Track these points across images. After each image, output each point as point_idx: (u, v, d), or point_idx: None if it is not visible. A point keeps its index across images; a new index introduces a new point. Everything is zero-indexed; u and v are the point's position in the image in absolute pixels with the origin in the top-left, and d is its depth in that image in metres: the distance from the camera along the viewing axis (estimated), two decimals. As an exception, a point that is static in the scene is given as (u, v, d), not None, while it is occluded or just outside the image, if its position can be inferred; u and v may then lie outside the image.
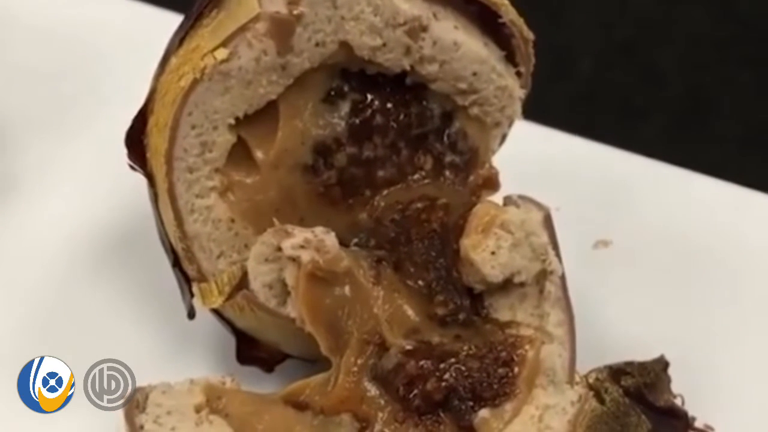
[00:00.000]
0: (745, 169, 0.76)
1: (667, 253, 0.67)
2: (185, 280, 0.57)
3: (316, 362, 0.57)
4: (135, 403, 0.53)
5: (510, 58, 0.58)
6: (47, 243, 0.66)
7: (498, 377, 0.54)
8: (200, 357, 0.61)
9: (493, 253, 0.56)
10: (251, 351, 0.60)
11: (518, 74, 0.58)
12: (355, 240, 0.57)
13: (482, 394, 0.54)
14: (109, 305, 0.63)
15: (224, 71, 0.53)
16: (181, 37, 0.55)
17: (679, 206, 0.69)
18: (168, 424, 0.53)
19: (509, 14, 0.57)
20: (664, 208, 0.69)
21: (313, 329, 0.54)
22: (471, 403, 0.54)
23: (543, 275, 0.56)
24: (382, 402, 0.54)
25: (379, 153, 0.57)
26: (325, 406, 0.54)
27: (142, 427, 0.53)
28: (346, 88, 0.56)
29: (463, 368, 0.54)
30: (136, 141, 0.56)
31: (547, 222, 0.57)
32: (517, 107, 0.58)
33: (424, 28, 0.55)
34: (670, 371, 0.57)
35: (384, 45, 0.55)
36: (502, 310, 0.57)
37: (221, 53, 0.53)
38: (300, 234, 0.54)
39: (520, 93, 0.58)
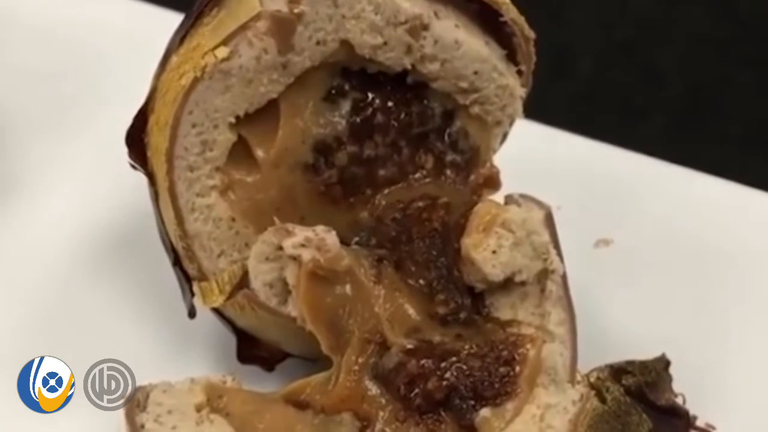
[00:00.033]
0: (746, 168, 0.76)
1: (668, 252, 0.66)
2: (186, 279, 0.57)
3: (316, 361, 0.57)
4: (136, 402, 0.53)
5: (511, 57, 0.58)
6: (47, 243, 0.66)
7: (499, 376, 0.54)
8: (201, 356, 0.61)
9: (494, 252, 0.55)
10: (252, 350, 0.60)
11: (519, 73, 0.58)
12: (356, 239, 0.57)
13: (483, 393, 0.54)
14: (110, 304, 0.63)
15: (225, 70, 0.53)
16: (181, 36, 0.55)
17: (680, 205, 0.69)
18: (169, 423, 0.53)
19: (510, 13, 0.57)
20: (665, 206, 0.69)
21: (313, 328, 0.54)
22: (472, 402, 0.54)
23: (544, 274, 0.56)
24: (383, 401, 0.54)
25: (380, 152, 0.57)
26: (325, 405, 0.54)
27: (142, 426, 0.53)
28: (347, 87, 0.56)
29: (464, 367, 0.54)
30: (136, 140, 0.56)
31: (549, 221, 0.57)
32: (518, 106, 0.58)
33: (425, 27, 0.55)
34: (672, 370, 0.57)
35: (385, 44, 0.55)
36: (503, 309, 0.57)
37: (222, 52, 0.53)
38: (301, 233, 0.54)
39: (521, 92, 0.58)
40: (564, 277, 0.56)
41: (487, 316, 0.56)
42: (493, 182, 0.59)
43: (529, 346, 0.55)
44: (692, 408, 0.57)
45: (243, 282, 0.56)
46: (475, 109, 0.58)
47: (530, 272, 0.56)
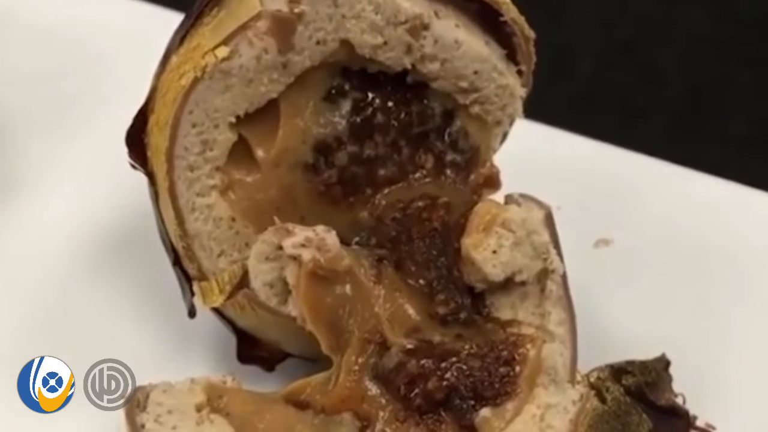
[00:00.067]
0: (746, 168, 0.76)
1: (668, 252, 0.66)
2: (186, 279, 0.57)
3: (317, 361, 0.57)
4: (136, 402, 0.53)
5: (511, 57, 0.58)
6: (47, 243, 0.66)
7: (499, 376, 0.54)
8: (201, 356, 0.61)
9: (494, 251, 0.55)
10: (252, 350, 0.60)
11: (519, 73, 0.58)
12: (356, 239, 0.57)
13: (483, 393, 0.54)
14: (110, 304, 0.63)
15: (225, 69, 0.53)
16: (181, 36, 0.55)
17: (680, 205, 0.69)
18: (169, 423, 0.53)
19: (510, 13, 0.57)
20: (665, 206, 0.69)
21: (314, 328, 0.54)
22: (472, 402, 0.54)
23: (544, 274, 0.56)
24: (383, 401, 0.54)
25: (380, 151, 0.57)
26: (326, 405, 0.54)
27: (143, 426, 0.53)
28: (347, 87, 0.56)
29: (464, 367, 0.54)
30: (136, 140, 0.56)
31: (549, 220, 0.57)
32: (518, 106, 0.58)
33: (426, 27, 0.55)
34: (672, 370, 0.57)
35: (385, 43, 0.55)
36: (503, 308, 0.57)
37: (222, 51, 0.53)
38: (301, 232, 0.54)
39: (521, 91, 0.58)
40: (564, 276, 0.56)
41: (487, 316, 0.56)
42: (493, 182, 0.59)
43: (529, 346, 0.55)
44: (692, 408, 0.57)
45: (243, 282, 0.56)
46: (475, 109, 0.58)
47: (530, 272, 0.56)
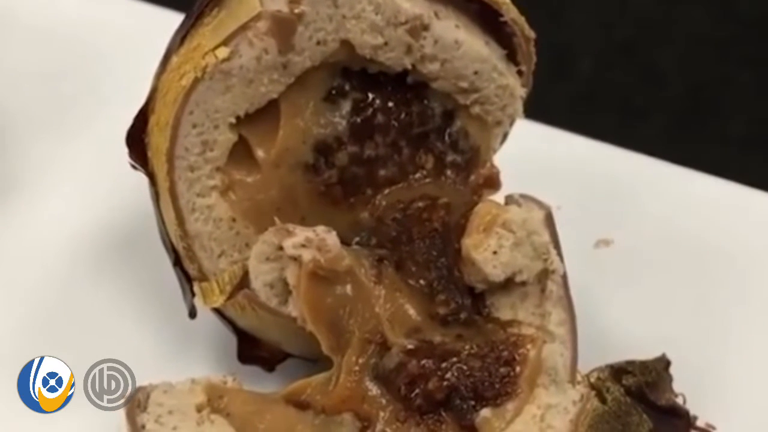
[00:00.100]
0: (746, 168, 0.76)
1: (668, 252, 0.66)
2: (186, 280, 0.57)
3: (317, 361, 0.57)
4: (136, 403, 0.53)
5: (511, 57, 0.58)
6: (48, 243, 0.66)
7: (499, 376, 0.54)
8: (201, 356, 0.61)
9: (494, 252, 0.55)
10: (252, 350, 0.60)
11: (519, 73, 0.58)
12: (357, 239, 0.57)
13: (484, 394, 0.54)
14: (110, 305, 0.63)
15: (225, 70, 0.53)
16: (182, 36, 0.55)
17: (680, 205, 0.69)
18: (169, 424, 0.53)
19: (510, 13, 0.57)
20: (665, 206, 0.69)
21: (314, 328, 0.54)
22: (472, 403, 0.54)
23: (544, 274, 0.56)
24: (384, 401, 0.54)
25: (380, 152, 0.57)
26: (326, 406, 0.54)
27: (143, 426, 0.53)
28: (347, 87, 0.56)
29: (464, 367, 0.54)
30: (137, 140, 0.56)
31: (549, 221, 0.57)
32: (519, 106, 0.58)
33: (426, 27, 0.55)
34: (672, 370, 0.57)
35: (385, 44, 0.55)
36: (503, 309, 0.57)
37: (222, 52, 0.53)
38: (301, 233, 0.54)
39: (521, 92, 0.58)
40: (564, 277, 0.56)
41: (487, 317, 0.56)
42: (493, 182, 0.59)
43: (529, 346, 0.55)
44: (692, 408, 0.57)
45: (243, 282, 0.56)
46: (476, 109, 0.58)
47: (531, 272, 0.56)
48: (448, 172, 0.58)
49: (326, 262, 0.54)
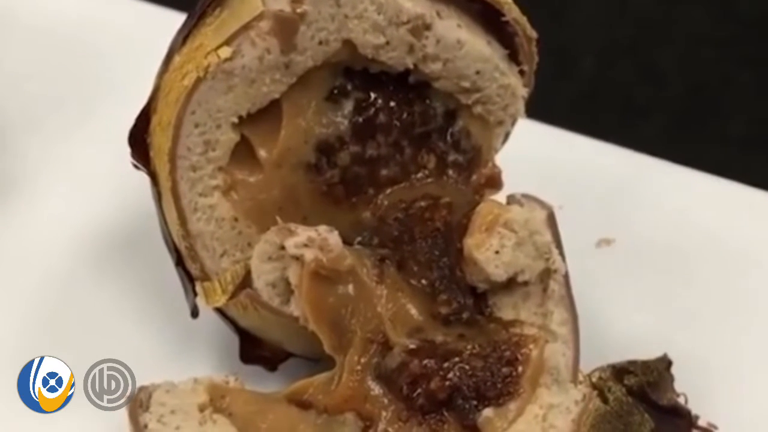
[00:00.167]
0: (747, 168, 0.76)
1: (669, 252, 0.66)
2: (188, 279, 0.57)
3: (319, 361, 0.57)
4: (139, 402, 0.53)
5: (513, 57, 0.58)
6: (48, 243, 0.66)
7: (502, 376, 0.54)
8: (203, 356, 0.61)
9: (496, 252, 0.55)
10: (254, 350, 0.60)
11: (521, 73, 0.58)
12: (359, 239, 0.57)
13: (486, 394, 0.54)
14: (112, 304, 0.63)
15: (228, 70, 0.53)
16: (184, 36, 0.55)
17: (681, 205, 0.69)
18: (172, 423, 0.53)
19: (512, 12, 0.57)
20: (666, 206, 0.69)
21: (316, 328, 0.54)
22: (475, 403, 0.54)
23: (546, 274, 0.56)
24: (386, 401, 0.54)
25: (382, 151, 0.57)
26: (328, 405, 0.54)
27: (146, 426, 0.53)
28: (349, 87, 0.56)
29: (466, 367, 0.54)
30: (139, 140, 0.56)
31: (551, 220, 0.57)
32: (520, 106, 0.58)
33: (428, 27, 0.55)
34: (673, 370, 0.57)
35: (387, 43, 0.55)
36: (505, 309, 0.56)
37: (225, 52, 0.53)
38: (303, 232, 0.54)
39: (523, 91, 0.58)
40: (566, 276, 0.56)
41: (489, 316, 0.56)
42: (495, 182, 0.59)
43: (531, 346, 0.55)
44: (694, 408, 0.57)
45: (246, 282, 0.56)
46: (477, 109, 0.58)
47: (533, 272, 0.56)
48: (450, 172, 0.58)
49: (328, 261, 0.54)
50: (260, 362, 0.60)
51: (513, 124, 0.59)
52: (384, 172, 0.57)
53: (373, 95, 0.56)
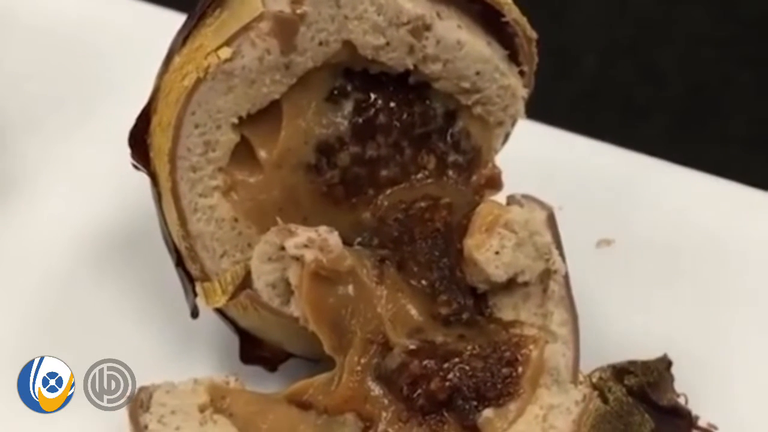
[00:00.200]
0: (747, 168, 0.76)
1: (669, 252, 0.66)
2: (188, 280, 0.57)
3: (319, 361, 0.57)
4: (139, 403, 0.53)
5: (513, 57, 0.58)
6: (49, 243, 0.66)
7: (502, 377, 0.54)
8: (204, 356, 0.61)
9: (496, 252, 0.55)
10: (255, 350, 0.60)
11: (521, 73, 0.58)
12: (359, 239, 0.57)
13: (486, 394, 0.54)
14: (112, 305, 0.63)
15: (228, 70, 0.53)
16: (184, 36, 0.55)
17: (681, 205, 0.69)
18: (172, 424, 0.53)
19: (512, 13, 0.57)
20: (666, 206, 0.69)
21: (316, 328, 0.54)
22: (475, 403, 0.54)
23: (546, 274, 0.56)
24: (386, 401, 0.54)
25: (382, 152, 0.57)
26: (328, 406, 0.54)
27: (146, 426, 0.53)
28: (349, 88, 0.56)
29: (466, 368, 0.54)
30: (139, 140, 0.56)
31: (551, 221, 0.57)
32: (520, 106, 0.58)
33: (428, 27, 0.55)
34: (673, 370, 0.57)
35: (387, 44, 0.55)
36: (505, 309, 0.57)
37: (225, 52, 0.53)
38: (303, 233, 0.54)
39: (523, 92, 0.58)
40: (566, 277, 0.56)
41: (489, 317, 0.56)
42: (495, 183, 0.59)
43: (531, 346, 0.55)
44: (694, 408, 0.57)
45: (246, 282, 0.56)
46: (477, 110, 0.58)
47: (533, 273, 0.56)
48: (450, 173, 0.58)
49: (328, 262, 0.54)
50: (260, 363, 0.60)
51: (513, 124, 0.59)
52: (384, 172, 0.57)
53: (373, 96, 0.56)
